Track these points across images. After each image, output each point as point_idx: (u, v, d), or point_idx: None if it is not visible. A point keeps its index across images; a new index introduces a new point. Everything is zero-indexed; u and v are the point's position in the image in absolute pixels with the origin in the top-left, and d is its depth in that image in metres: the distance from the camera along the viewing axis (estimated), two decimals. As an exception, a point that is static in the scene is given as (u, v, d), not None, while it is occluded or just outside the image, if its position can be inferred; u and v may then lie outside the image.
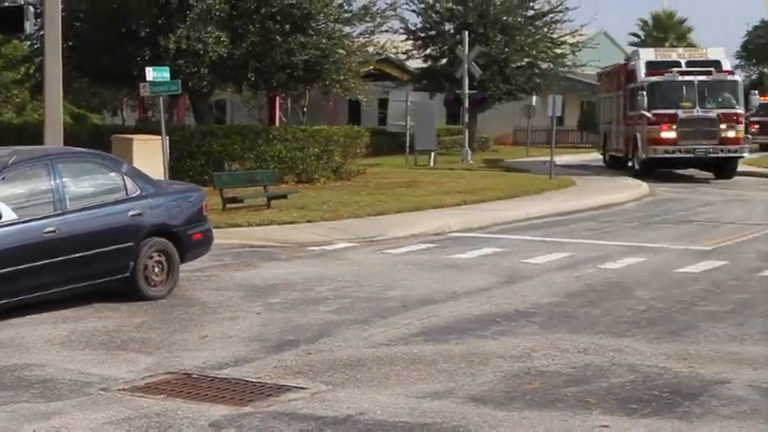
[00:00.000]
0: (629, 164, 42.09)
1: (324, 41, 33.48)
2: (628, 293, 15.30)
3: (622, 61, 46.80)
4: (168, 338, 12.21)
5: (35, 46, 35.19)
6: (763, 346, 11.76)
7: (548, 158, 38.04)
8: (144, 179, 15.28)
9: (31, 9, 29.33)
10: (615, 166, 45.02)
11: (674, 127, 37.62)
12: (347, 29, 36.09)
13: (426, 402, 9.40)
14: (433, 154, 45.30)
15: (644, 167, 39.47)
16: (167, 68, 25.35)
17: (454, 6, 54.56)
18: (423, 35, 56.09)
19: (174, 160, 28.01)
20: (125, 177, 14.77)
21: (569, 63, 58.25)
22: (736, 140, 38.26)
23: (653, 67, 39.72)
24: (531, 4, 55.99)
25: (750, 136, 43.34)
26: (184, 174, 27.31)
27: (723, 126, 37.71)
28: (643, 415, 9.02)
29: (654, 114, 37.84)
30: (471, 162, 46.54)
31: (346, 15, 35.53)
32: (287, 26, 32.40)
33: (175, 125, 35.37)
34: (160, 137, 25.82)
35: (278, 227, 22.64)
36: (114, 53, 31.79)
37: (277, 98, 43.77)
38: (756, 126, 60.64)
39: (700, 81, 38.16)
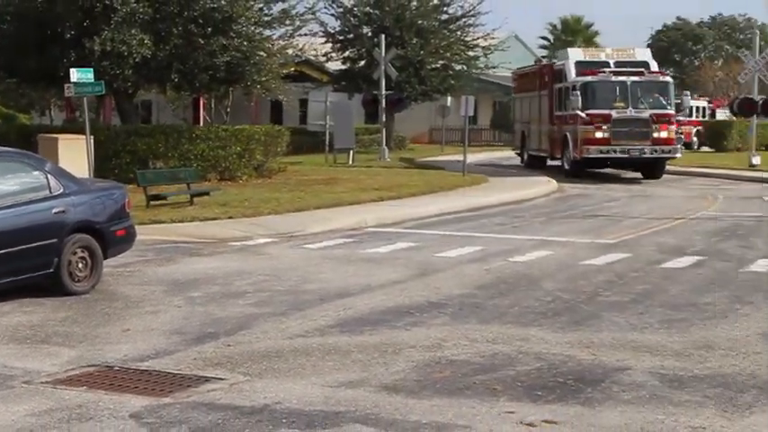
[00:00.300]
0: (554, 163, 41.34)
1: (245, 44, 33.38)
2: (535, 285, 15.34)
3: (543, 61, 46.74)
4: (91, 332, 11.99)
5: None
6: (662, 335, 11.85)
7: (461, 156, 38.15)
8: (67, 177, 15.06)
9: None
10: (535, 165, 44.17)
11: (608, 127, 36.37)
12: (267, 32, 36.11)
13: (340, 391, 9.32)
14: (351, 152, 45.39)
15: (575, 168, 38.55)
16: (91, 70, 25.15)
17: (371, 10, 54.69)
18: (341, 38, 56.22)
19: (99, 159, 27.72)
20: (48, 176, 14.51)
21: (482, 65, 58.84)
22: (668, 141, 37.21)
23: (583, 66, 38.52)
24: (445, 9, 56.27)
25: (682, 136, 42.93)
26: (110, 172, 26.97)
27: (656, 126, 36.70)
28: (548, 401, 9.02)
29: (588, 114, 36.52)
30: (388, 160, 46.67)
31: (266, 19, 35.59)
32: (209, 29, 32.30)
33: (101, 125, 35.24)
34: (85, 136, 25.52)
35: (200, 223, 22.51)
36: (41, 54, 31.51)
37: (201, 99, 43.94)
38: None
39: (633, 81, 37.05)
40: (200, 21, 32.17)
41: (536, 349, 11.00)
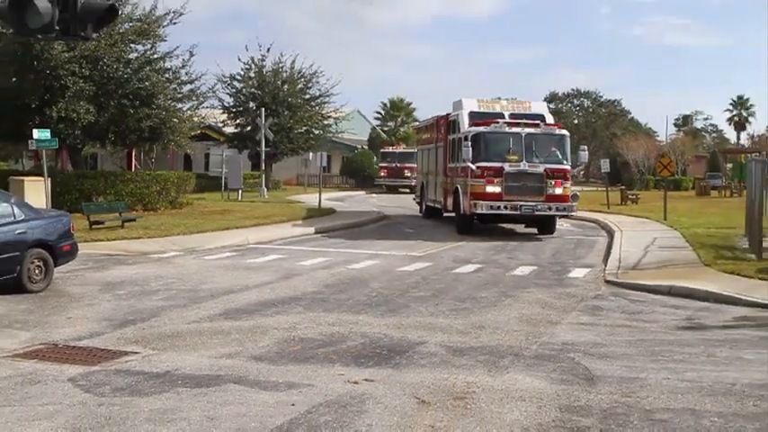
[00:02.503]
0: (449, 214, 29.95)
1: (163, 113, 33.18)
2: (365, 285, 15.43)
3: (441, 114, 31.69)
4: (43, 319, 11.71)
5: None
6: (450, 318, 12.07)
7: (317, 195, 38.09)
8: (27, 207, 15.01)
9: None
10: (432, 215, 32.92)
11: (500, 181, 25.37)
12: (179, 105, 35.60)
13: (222, 361, 9.30)
14: (240, 191, 44.86)
15: (464, 224, 27.00)
16: (49, 131, 24.86)
17: (255, 91, 54.50)
18: (234, 110, 55.68)
19: (56, 195, 27.11)
20: (13, 206, 14.39)
21: (333, 130, 59.13)
22: (562, 198, 25.79)
23: (477, 117, 27.33)
24: (308, 91, 56.37)
25: (577, 193, 28.05)
26: (64, 204, 26.17)
27: (550, 182, 25.54)
28: (368, 366, 9.15)
29: (479, 167, 25.56)
30: (267, 197, 46.22)
31: (179, 96, 35.19)
32: (137, 102, 32.05)
33: (58, 170, 34.28)
34: (44, 178, 25.06)
35: (128, 241, 21.98)
36: (13, 119, 30.75)
37: (132, 152, 43.40)
38: (385, 170, 60.23)
39: (528, 134, 25.86)
40: (131, 96, 31.95)
41: (363, 330, 11.13)
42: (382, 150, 63.45)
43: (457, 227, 27.45)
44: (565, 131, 27.13)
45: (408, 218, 34.36)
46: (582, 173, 34.26)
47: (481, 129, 26.13)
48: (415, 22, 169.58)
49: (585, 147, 28.81)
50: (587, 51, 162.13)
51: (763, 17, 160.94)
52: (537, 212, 25.65)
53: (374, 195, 55.68)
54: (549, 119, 28.17)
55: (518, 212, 25.58)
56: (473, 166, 25.55)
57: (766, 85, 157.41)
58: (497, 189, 25.38)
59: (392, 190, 59.02)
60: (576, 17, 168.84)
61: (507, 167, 25.41)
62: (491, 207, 25.47)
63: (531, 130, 25.97)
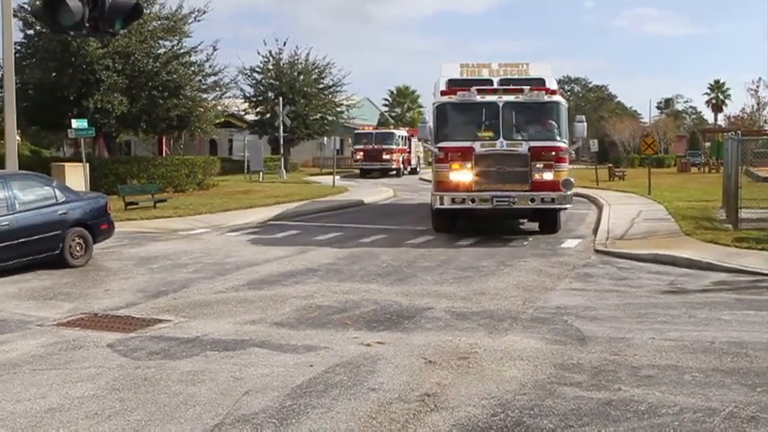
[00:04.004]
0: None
1: (189, 103, 33.45)
2: (375, 257, 15.37)
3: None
4: (84, 291, 11.75)
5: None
6: (454, 286, 12.02)
7: (332, 176, 38.07)
8: (68, 190, 15.13)
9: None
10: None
11: (469, 166, 17.84)
12: (204, 95, 35.70)
13: (246, 326, 9.31)
14: (261, 173, 44.87)
15: (439, 220, 19.19)
16: (86, 120, 25.28)
17: (273, 82, 54.48)
18: (254, 99, 55.78)
19: (93, 179, 27.33)
20: (55, 189, 14.54)
21: (345, 117, 59.02)
22: (552, 185, 17.76)
23: (456, 85, 18.77)
24: (322, 80, 56.27)
25: (572, 179, 18.43)
26: (101, 187, 26.18)
27: (538, 165, 17.71)
28: (379, 330, 9.14)
29: (441, 148, 18.13)
30: (285, 178, 46.23)
31: (204, 87, 35.27)
32: (166, 93, 32.28)
33: (96, 156, 34.42)
34: (82, 164, 25.26)
35: (160, 220, 22.06)
36: (53, 110, 30.93)
37: (162, 139, 43.49)
38: (361, 153, 50.54)
39: (507, 103, 17.97)
40: (160, 88, 32.15)
41: (374, 297, 11.11)
42: (356, 132, 54.68)
43: (434, 225, 19.32)
44: (559, 99, 18.43)
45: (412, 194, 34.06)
46: (575, 150, 23.01)
47: (444, 99, 18.33)
48: (418, 17, 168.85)
49: (583, 117, 18.46)
50: (573, 43, 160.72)
51: (736, 8, 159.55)
52: (515, 206, 17.79)
53: (352, 182, 44.05)
54: (552, 84, 19.02)
55: (489, 206, 17.69)
56: (434, 148, 18.26)
57: (741, 70, 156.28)
58: (465, 177, 17.74)
59: (367, 174, 49.65)
60: (561, 11, 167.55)
61: (478, 148, 17.63)
62: (453, 200, 17.76)
63: (511, 97, 17.92)
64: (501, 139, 17.77)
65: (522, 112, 18.21)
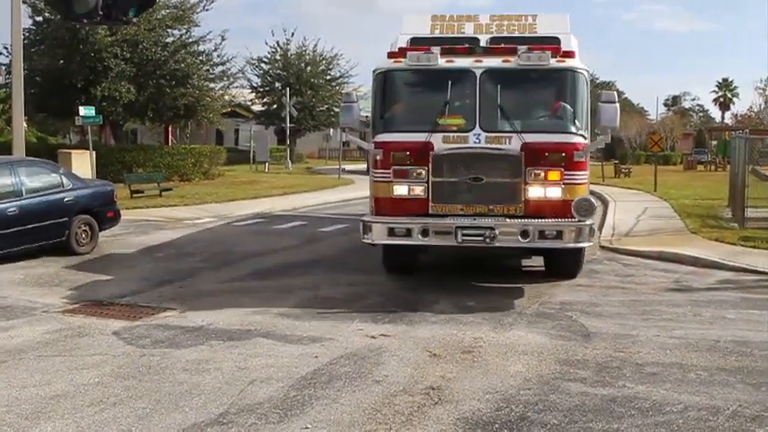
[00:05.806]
0: None
1: (197, 92, 33.60)
2: (379, 249, 15.06)
3: None
4: (89, 279, 11.78)
5: (7, 91, 33.76)
6: (459, 280, 11.77)
7: (337, 167, 38.00)
8: (75, 178, 15.16)
9: (3, 68, 28.27)
10: None
11: (422, 174, 10.27)
12: (212, 85, 35.78)
13: (252, 317, 9.32)
14: (267, 164, 44.90)
15: (389, 260, 11.97)
16: (93, 108, 25.45)
17: (281, 72, 54.51)
18: (261, 90, 55.80)
19: (100, 166, 27.30)
20: (62, 176, 14.56)
21: (352, 108, 59.02)
22: (559, 207, 10.17)
23: (419, 44, 11.20)
24: (329, 71, 56.27)
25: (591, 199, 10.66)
26: (107, 175, 26.26)
27: (537, 173, 10.13)
28: (384, 322, 9.12)
29: (379, 144, 10.57)
30: (291, 169, 46.29)
31: (211, 76, 35.36)
32: (173, 82, 32.40)
33: (102, 144, 34.47)
34: (89, 151, 25.43)
35: (165, 208, 22.08)
36: (61, 98, 31.00)
37: (169, 127, 43.42)
38: None
39: (489, 71, 10.25)
40: (168, 77, 32.24)
41: (379, 289, 11.08)
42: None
43: (386, 266, 12.28)
44: (577, 63, 10.83)
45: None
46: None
47: (385, 67, 10.92)
48: (422, 9, 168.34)
49: (614, 95, 10.96)
50: (581, 38, 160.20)
51: (745, 6, 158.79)
52: (495, 245, 10.27)
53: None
54: (572, 46, 11.54)
55: (452, 242, 10.27)
56: (367, 144, 11.56)
57: (750, 68, 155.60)
58: (417, 192, 10.53)
59: None
60: (572, 6, 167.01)
61: (439, 143, 10.38)
62: (391, 232, 10.38)
63: (497, 61, 10.55)
64: (477, 129, 10.34)
65: (515, 86, 10.64)
